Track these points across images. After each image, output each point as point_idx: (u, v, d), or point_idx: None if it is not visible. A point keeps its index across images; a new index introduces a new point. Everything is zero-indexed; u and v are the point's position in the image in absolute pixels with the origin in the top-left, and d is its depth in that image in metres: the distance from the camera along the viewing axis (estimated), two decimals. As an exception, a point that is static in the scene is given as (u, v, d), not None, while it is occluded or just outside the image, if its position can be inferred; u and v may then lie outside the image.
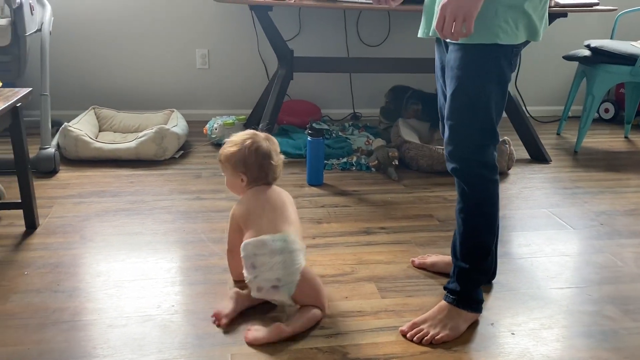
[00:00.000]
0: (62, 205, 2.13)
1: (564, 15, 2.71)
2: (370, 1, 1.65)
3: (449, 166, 1.42)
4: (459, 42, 1.33)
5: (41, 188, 2.24)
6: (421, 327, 1.43)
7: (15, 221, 1.96)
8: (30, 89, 1.90)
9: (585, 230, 2.09)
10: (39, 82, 2.56)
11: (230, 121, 2.91)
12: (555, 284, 1.71)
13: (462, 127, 1.37)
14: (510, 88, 2.87)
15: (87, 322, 1.45)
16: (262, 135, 1.61)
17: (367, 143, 2.84)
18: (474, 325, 1.49)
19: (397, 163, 2.61)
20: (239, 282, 1.64)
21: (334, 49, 3.33)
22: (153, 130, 2.60)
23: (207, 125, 2.93)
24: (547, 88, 3.69)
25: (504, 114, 2.83)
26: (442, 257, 1.76)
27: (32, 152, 2.10)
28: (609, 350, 1.41)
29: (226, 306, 1.48)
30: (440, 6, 1.25)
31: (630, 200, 2.39)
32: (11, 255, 1.77)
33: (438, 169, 2.53)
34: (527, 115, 2.98)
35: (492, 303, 1.60)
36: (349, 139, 2.92)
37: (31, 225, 1.93)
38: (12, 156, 1.87)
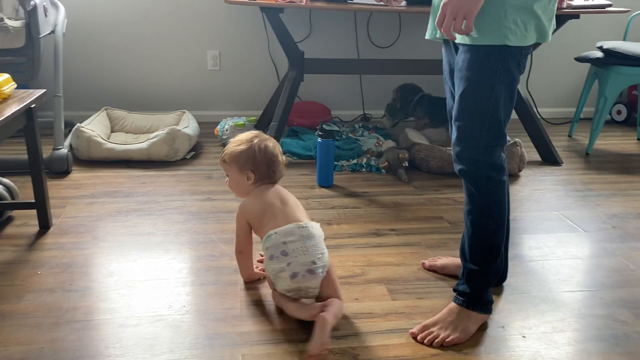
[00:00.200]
0: (74, 206, 2.15)
1: (576, 16, 2.69)
2: (381, 2, 1.64)
3: (457, 167, 1.42)
4: (467, 43, 1.34)
5: (54, 188, 2.26)
6: (431, 329, 1.43)
7: (29, 221, 1.98)
8: (45, 90, 1.92)
9: (597, 233, 2.07)
10: (52, 83, 2.59)
11: (241, 122, 2.92)
12: (567, 287, 1.70)
13: (470, 128, 1.37)
14: (522, 89, 2.88)
15: (99, 321, 1.46)
16: (265, 135, 1.64)
17: (377, 144, 2.84)
18: (484, 327, 1.49)
19: (407, 164, 2.61)
20: (249, 283, 1.65)
21: (344, 51, 3.33)
22: (165, 132, 2.61)
23: (218, 127, 2.94)
24: (559, 90, 3.67)
25: (515, 116, 2.86)
26: (452, 259, 1.75)
27: (45, 152, 2.12)
28: (621, 354, 1.40)
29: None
30: (441, 4, 1.26)
31: (643, 203, 2.37)
32: (25, 254, 1.79)
33: (448, 170, 2.53)
34: (539, 117, 2.96)
35: (503, 306, 1.59)
36: (359, 141, 2.92)
37: (45, 225, 1.95)
38: (26, 156, 1.89)
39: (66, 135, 2.63)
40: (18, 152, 2.49)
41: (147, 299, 1.57)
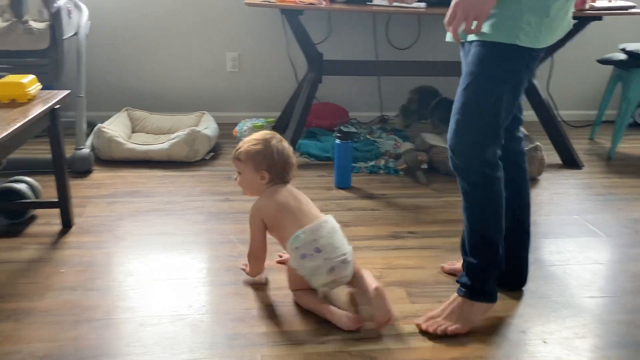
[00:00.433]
0: (96, 205, 2.17)
1: (599, 18, 2.65)
2: (394, 3, 1.63)
3: (451, 163, 1.42)
4: (478, 39, 1.33)
5: (76, 188, 2.29)
6: (436, 319, 1.46)
7: (52, 220, 2.01)
8: (69, 91, 1.95)
9: (619, 237, 2.04)
10: (75, 84, 2.62)
11: (260, 124, 2.93)
12: (588, 292, 1.68)
13: (468, 123, 1.37)
14: (542, 92, 2.85)
15: (120, 320, 1.48)
16: (279, 136, 1.65)
17: (395, 146, 2.83)
18: (504, 331, 1.48)
19: (425, 167, 2.60)
20: (254, 284, 1.65)
21: (363, 52, 3.33)
22: (185, 132, 2.64)
23: (237, 128, 2.96)
24: (580, 92, 3.62)
25: (535, 118, 2.83)
26: None
27: (68, 152, 2.15)
28: (645, 361, 1.38)
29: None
30: (452, 3, 1.25)
31: (667, 207, 2.32)
32: (47, 253, 1.81)
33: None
34: (559, 119, 2.92)
35: (523, 310, 1.57)
36: (377, 142, 2.91)
37: (67, 224, 1.98)
38: (48, 156, 1.92)
39: (88, 136, 2.66)
40: (41, 152, 2.52)
41: (167, 299, 1.58)
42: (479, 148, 1.37)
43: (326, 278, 1.48)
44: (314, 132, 3.05)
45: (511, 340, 1.45)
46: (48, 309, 1.51)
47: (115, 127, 2.71)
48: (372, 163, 2.69)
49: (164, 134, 2.92)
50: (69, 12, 2.63)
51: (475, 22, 1.25)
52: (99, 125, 2.65)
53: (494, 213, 1.44)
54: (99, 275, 1.69)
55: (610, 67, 3.12)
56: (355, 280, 1.55)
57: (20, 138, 1.65)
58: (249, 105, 3.38)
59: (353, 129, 3.08)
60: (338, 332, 1.45)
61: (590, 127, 3.41)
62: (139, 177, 2.47)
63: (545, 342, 1.44)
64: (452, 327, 1.43)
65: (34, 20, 2.59)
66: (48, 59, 2.52)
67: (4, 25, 2.50)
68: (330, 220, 1.55)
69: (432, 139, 2.75)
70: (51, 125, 1.86)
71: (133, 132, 2.94)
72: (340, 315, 1.46)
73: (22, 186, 2.02)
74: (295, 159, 1.64)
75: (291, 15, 2.59)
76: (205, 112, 3.06)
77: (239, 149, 1.61)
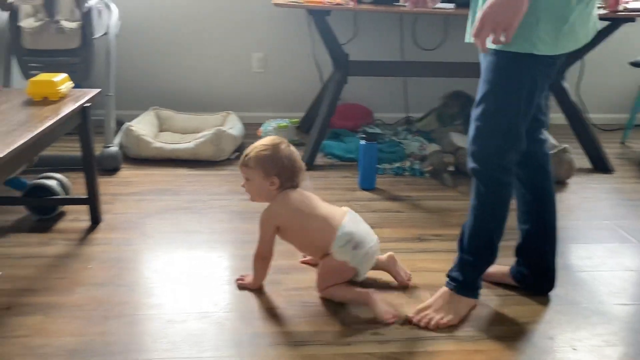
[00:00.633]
0: (123, 202, 2.21)
1: (632, 20, 2.60)
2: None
3: (469, 165, 1.45)
4: (494, 47, 1.33)
5: (104, 185, 2.33)
6: (425, 312, 1.50)
7: (80, 216, 2.05)
8: (99, 89, 1.98)
9: (651, 244, 2.00)
10: (104, 83, 2.67)
11: (284, 124, 2.95)
12: (619, 299, 1.64)
13: (487, 130, 1.39)
14: (572, 94, 2.80)
15: (147, 316, 1.50)
16: (285, 140, 1.63)
17: (420, 148, 2.82)
18: (531, 337, 1.46)
19: (452, 169, 2.58)
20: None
21: (389, 53, 3.32)
22: (211, 132, 2.66)
23: (262, 128, 2.98)
24: (612, 95, 3.55)
25: (564, 121, 2.78)
26: (498, 267, 1.72)
27: (96, 150, 2.18)
28: (679, 372, 1.35)
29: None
30: (479, 14, 1.23)
31: (701, 214, 2.26)
32: (76, 249, 1.85)
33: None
34: (590, 122, 2.87)
35: (551, 316, 1.55)
36: (402, 144, 2.90)
37: (95, 220, 2.01)
38: (77, 154, 1.96)
39: (116, 134, 2.71)
40: (71, 149, 2.57)
41: (193, 296, 1.60)
42: (498, 154, 1.40)
43: (371, 263, 1.60)
44: (337, 133, 3.06)
45: (539, 346, 1.43)
46: (77, 304, 1.54)
47: (143, 126, 2.75)
48: (397, 164, 2.68)
49: (190, 133, 2.95)
50: (100, 12, 2.67)
51: (503, 34, 1.23)
52: (128, 123, 2.69)
53: (501, 217, 1.48)
54: (127, 271, 1.72)
55: (642, 70, 3.06)
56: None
57: (52, 135, 1.68)
58: (273, 105, 3.40)
59: (378, 130, 3.08)
60: (362, 334, 1.45)
61: (621, 130, 3.35)
62: (165, 175, 2.51)
63: (574, 349, 1.42)
64: (445, 319, 1.48)
65: (66, 20, 2.64)
66: (79, 58, 2.57)
67: (37, 25, 2.55)
68: (352, 211, 1.65)
69: (459, 140, 2.73)
70: (82, 123, 1.89)
71: (160, 131, 2.98)
72: (382, 304, 1.52)
73: (52, 183, 2.06)
74: (303, 163, 1.63)
75: (318, 16, 2.59)
76: (230, 112, 3.09)
77: (247, 155, 1.58)
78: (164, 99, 3.26)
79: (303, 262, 1.77)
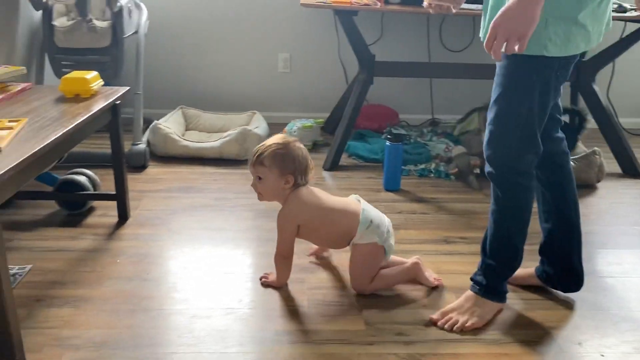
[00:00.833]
0: (151, 199, 2.24)
1: (666, 21, 2.54)
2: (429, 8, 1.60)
3: (486, 169, 1.45)
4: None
5: (132, 182, 2.36)
6: (450, 315, 1.49)
7: (109, 212, 2.09)
8: (128, 87, 2.02)
9: (684, 251, 1.95)
10: (133, 82, 2.71)
11: (309, 124, 2.95)
12: (650, 306, 1.61)
13: (502, 134, 1.39)
14: (602, 98, 2.75)
15: (173, 311, 1.52)
16: (293, 138, 1.63)
17: (446, 150, 2.80)
18: (559, 342, 1.43)
19: (478, 171, 2.55)
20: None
21: (416, 54, 3.30)
22: (236, 131, 2.69)
23: (287, 127, 2.99)
24: (642, 98, 3.47)
25: (594, 125, 2.73)
26: (522, 269, 1.70)
27: (124, 147, 2.21)
28: None
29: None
30: (492, 25, 1.21)
31: None
32: (105, 243, 1.88)
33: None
34: (620, 126, 2.82)
35: (580, 322, 1.53)
36: (428, 145, 2.89)
37: (123, 216, 2.05)
38: (107, 150, 1.99)
39: (144, 132, 2.75)
40: (99, 146, 2.62)
41: (219, 292, 1.61)
42: (515, 158, 1.40)
43: (391, 241, 1.63)
44: (362, 134, 3.05)
45: (566, 352, 1.41)
46: (105, 297, 1.57)
47: (171, 125, 2.79)
48: (422, 166, 2.67)
49: (216, 132, 2.98)
50: (130, 12, 2.72)
51: (517, 43, 1.20)
52: (156, 122, 2.73)
53: (521, 221, 1.47)
54: (154, 266, 1.74)
55: (676, 73, 2.99)
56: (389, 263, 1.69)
57: (83, 132, 1.71)
58: (298, 105, 3.41)
59: (403, 131, 3.07)
60: (387, 334, 1.44)
61: (652, 135, 3.28)
62: (191, 173, 2.54)
63: (602, 355, 1.39)
64: (469, 322, 1.47)
65: (97, 19, 2.69)
66: (109, 56, 2.62)
67: (69, 24, 2.61)
68: (360, 198, 1.68)
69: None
70: (112, 120, 1.93)
71: (187, 129, 3.02)
72: (426, 274, 1.66)
73: (82, 178, 2.10)
74: (312, 160, 1.62)
75: (345, 16, 2.59)
76: (256, 111, 3.11)
77: (261, 153, 1.55)
78: (191, 98, 3.29)
79: (312, 254, 1.79)
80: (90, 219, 2.05)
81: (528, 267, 1.71)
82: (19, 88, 1.85)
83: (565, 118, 3.07)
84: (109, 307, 1.52)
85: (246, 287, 1.65)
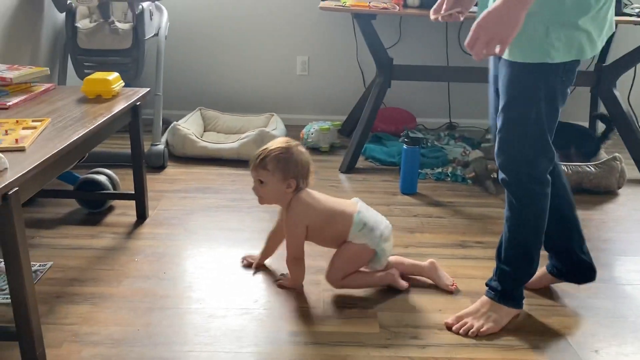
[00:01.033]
0: (169, 199, 2.27)
1: (690, 26, 2.50)
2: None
3: (499, 177, 1.45)
4: (508, 58, 1.33)
5: (150, 182, 2.38)
6: (465, 320, 1.49)
7: (128, 211, 2.11)
8: (148, 89, 2.04)
9: None
10: (153, 83, 2.74)
11: (326, 126, 2.96)
12: (670, 315, 1.59)
13: (512, 141, 1.38)
14: (623, 102, 2.72)
15: (189, 310, 1.54)
16: (295, 141, 1.64)
17: (463, 154, 2.78)
18: (576, 349, 1.42)
19: (495, 176, 2.53)
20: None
21: (434, 57, 3.29)
22: (254, 133, 2.70)
23: (304, 130, 3.00)
24: (665, 104, 3.41)
25: (615, 130, 2.69)
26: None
27: (144, 147, 2.24)
28: None
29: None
30: (475, 25, 1.21)
31: None
32: (124, 242, 1.91)
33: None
34: (641, 132, 2.78)
35: (597, 329, 1.51)
36: (445, 149, 2.87)
37: (141, 215, 2.07)
38: (126, 150, 2.02)
39: (163, 132, 2.78)
40: (118, 146, 2.66)
41: (235, 292, 1.63)
42: (527, 164, 1.39)
43: (386, 245, 1.62)
44: (379, 137, 3.05)
45: (584, 359, 1.39)
46: (123, 295, 1.59)
47: (189, 126, 2.82)
48: (439, 170, 2.66)
49: (234, 133, 3.00)
50: (151, 14, 2.76)
51: (498, 46, 1.21)
52: (175, 123, 2.76)
53: (536, 228, 1.46)
54: (171, 266, 1.76)
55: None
56: (402, 267, 1.70)
57: (105, 132, 1.74)
58: (316, 108, 3.42)
59: (420, 135, 3.05)
60: (402, 337, 1.44)
61: (674, 141, 3.21)
62: (209, 174, 2.56)
63: (620, 364, 1.38)
64: (485, 327, 1.47)
65: (119, 21, 2.73)
66: (130, 58, 2.65)
67: (92, 26, 2.65)
68: (360, 199, 1.68)
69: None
70: (132, 121, 1.96)
71: (205, 130, 3.05)
72: (400, 279, 1.66)
73: (102, 178, 2.13)
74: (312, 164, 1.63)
75: (364, 20, 2.60)
76: (274, 113, 3.12)
77: (264, 157, 1.54)
78: (210, 100, 3.32)
79: (247, 263, 1.78)
80: (110, 218, 2.08)
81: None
82: (43, 88, 1.89)
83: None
84: (126, 305, 1.55)
85: (262, 287, 1.66)
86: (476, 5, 1.53)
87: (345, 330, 1.47)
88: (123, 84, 1.98)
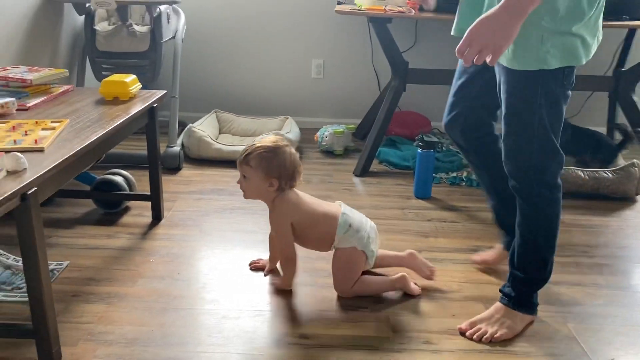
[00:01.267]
0: (184, 200, 2.29)
1: None
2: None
3: (510, 183, 1.45)
4: (504, 65, 1.32)
5: (166, 183, 2.41)
6: (479, 326, 1.48)
7: (143, 212, 2.13)
8: (165, 91, 2.06)
9: None
10: (169, 85, 2.77)
11: (341, 130, 2.96)
12: (688, 324, 1.56)
13: (519, 148, 1.38)
14: (641, 106, 2.68)
15: (203, 311, 1.55)
16: (286, 140, 1.64)
17: (479, 159, 2.76)
18: (592, 358, 1.40)
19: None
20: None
21: (449, 61, 3.26)
22: (269, 135, 2.71)
23: (318, 133, 3.01)
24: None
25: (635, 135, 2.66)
26: (490, 252, 1.82)
27: (160, 149, 2.26)
28: None
29: None
30: (468, 31, 1.19)
31: None
32: (139, 242, 1.93)
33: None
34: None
35: (613, 337, 1.49)
36: (460, 154, 2.85)
37: (157, 216, 2.09)
38: (142, 152, 2.04)
39: (179, 134, 2.80)
40: (134, 147, 2.69)
41: (248, 294, 1.63)
42: (536, 170, 1.38)
43: (373, 246, 1.63)
44: (393, 140, 3.04)
45: (599, 367, 1.38)
46: (138, 295, 1.61)
47: (205, 128, 2.84)
48: (454, 174, 2.65)
49: (249, 136, 3.01)
50: (168, 17, 2.79)
51: (490, 56, 1.19)
52: (190, 125, 2.79)
53: (549, 233, 1.45)
54: (186, 267, 1.77)
55: None
56: (384, 261, 1.72)
57: (122, 133, 1.76)
58: (331, 111, 3.43)
59: (435, 139, 3.05)
60: (413, 342, 1.44)
61: (694, 147, 3.17)
62: (224, 176, 2.57)
63: (637, 373, 1.36)
64: (499, 333, 1.46)
65: (137, 24, 2.77)
66: (147, 60, 2.69)
67: (110, 29, 2.69)
68: (342, 203, 1.69)
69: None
70: (149, 123, 1.98)
71: (220, 133, 3.07)
72: (411, 283, 1.66)
73: (118, 179, 2.16)
74: (301, 166, 1.62)
75: (379, 23, 2.60)
76: (288, 116, 3.14)
77: (249, 153, 1.57)
78: (225, 102, 3.35)
79: (254, 267, 1.78)
80: (126, 219, 2.11)
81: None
82: (62, 90, 1.92)
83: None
84: (141, 305, 1.56)
85: (275, 289, 1.67)
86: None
87: (358, 333, 1.47)
88: (140, 86, 2.00)
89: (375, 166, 2.76)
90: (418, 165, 2.42)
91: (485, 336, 1.45)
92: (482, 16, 1.18)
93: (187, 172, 2.62)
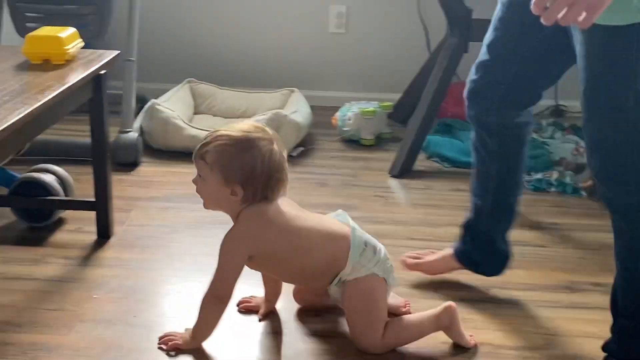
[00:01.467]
0: (143, 210, 2.30)
1: None
2: None
3: (599, 191, 1.50)
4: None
5: (118, 184, 2.41)
6: None
7: (85, 226, 2.15)
8: (118, 51, 2.08)
9: None
10: (123, 44, 2.78)
11: (371, 109, 2.96)
12: None
13: (604, 136, 1.41)
14: None
15: (170, 372, 1.55)
16: (270, 131, 1.59)
17: (575, 152, 2.76)
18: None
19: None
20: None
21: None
22: (266, 117, 2.72)
23: (338, 114, 3.01)
24: None
25: None
26: (433, 256, 1.93)
27: (110, 136, 2.26)
28: None
29: None
30: None
31: None
32: (78, 271, 1.95)
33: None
34: None
35: None
36: (548, 145, 2.85)
37: (104, 233, 2.11)
38: (85, 140, 2.05)
39: (136, 115, 2.81)
40: (72, 133, 2.70)
41: (235, 350, 1.64)
42: (635, 167, 1.40)
43: (391, 270, 1.66)
44: (449, 125, 3.05)
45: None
46: (77, 347, 1.61)
47: (174, 105, 2.86)
48: (539, 176, 2.65)
49: (237, 117, 3.02)
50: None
51: (584, 14, 1.18)
52: (153, 101, 2.80)
53: None
54: (146, 306, 1.79)
55: None
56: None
57: (55, 112, 1.78)
58: (356, 82, 3.43)
59: (510, 124, 3.04)
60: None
61: None
62: (201, 175, 2.58)
63: None
64: None
65: (77, -45, 2.79)
66: (91, 7, 2.71)
67: (38, -39, 2.72)
68: (342, 212, 1.76)
69: None
70: (94, 98, 1.99)
71: (196, 112, 3.09)
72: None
73: (48, 178, 2.17)
74: (288, 171, 1.60)
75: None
76: (295, 89, 3.14)
77: (206, 143, 1.55)
78: (203, 69, 3.36)
79: (244, 308, 1.79)
80: (59, 235, 2.12)
81: None
82: (-32, 49, 1.94)
83: None
84: (80, 361, 1.57)
85: (271, 339, 1.68)
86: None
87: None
88: (82, 44, 2.01)
89: (421, 163, 2.76)
90: (485, 161, 2.41)
91: None
92: None
93: (148, 169, 2.64)
